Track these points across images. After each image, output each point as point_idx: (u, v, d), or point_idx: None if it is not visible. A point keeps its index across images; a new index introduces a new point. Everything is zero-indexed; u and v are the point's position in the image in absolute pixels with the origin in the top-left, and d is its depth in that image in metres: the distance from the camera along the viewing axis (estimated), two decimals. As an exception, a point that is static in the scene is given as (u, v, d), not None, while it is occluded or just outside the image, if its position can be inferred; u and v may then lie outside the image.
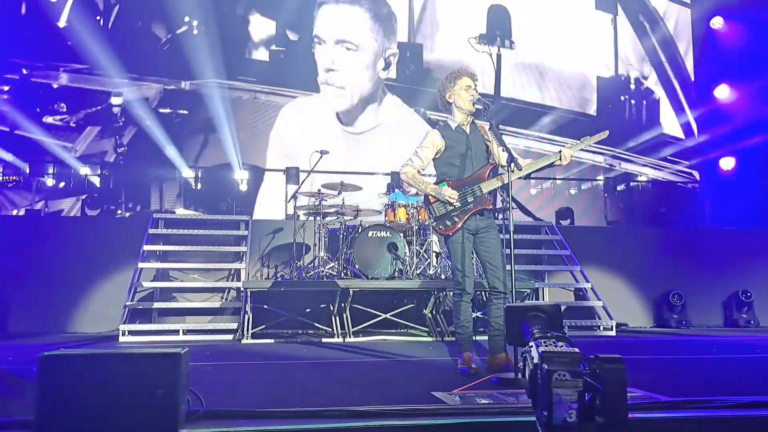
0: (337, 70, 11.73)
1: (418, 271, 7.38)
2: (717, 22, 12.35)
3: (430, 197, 4.44)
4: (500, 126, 4.51)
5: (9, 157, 10.23)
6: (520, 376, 2.37)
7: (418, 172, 4.48)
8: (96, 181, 10.80)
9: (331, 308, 7.05)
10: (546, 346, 2.14)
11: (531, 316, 2.64)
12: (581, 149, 4.52)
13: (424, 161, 4.48)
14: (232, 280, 7.96)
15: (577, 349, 2.08)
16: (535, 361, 2.14)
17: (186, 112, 11.35)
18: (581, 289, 8.37)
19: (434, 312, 7.31)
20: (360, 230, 7.37)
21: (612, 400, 2.01)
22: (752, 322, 8.83)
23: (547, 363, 2.03)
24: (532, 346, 2.24)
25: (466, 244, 4.35)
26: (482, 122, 4.57)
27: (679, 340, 7.02)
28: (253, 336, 6.84)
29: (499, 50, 12.37)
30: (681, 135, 12.96)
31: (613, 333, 7.64)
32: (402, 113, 11.89)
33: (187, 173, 11.00)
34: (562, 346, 2.14)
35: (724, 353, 5.75)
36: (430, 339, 6.97)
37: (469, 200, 4.34)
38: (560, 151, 4.32)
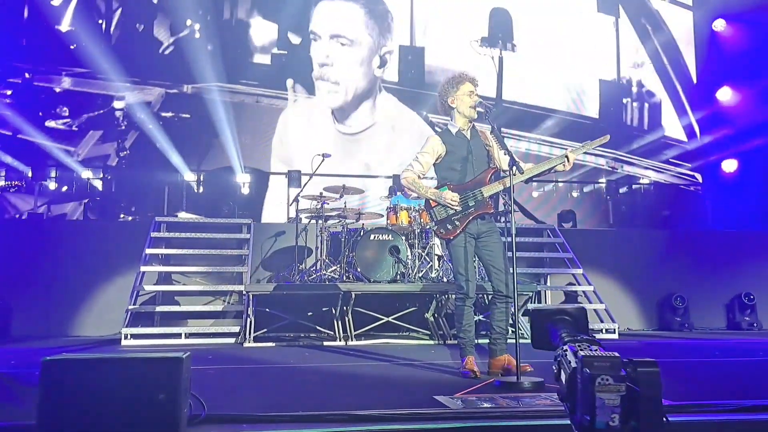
0: (331, 64, 11.75)
1: (420, 275, 7.38)
2: (719, 25, 12.35)
3: (431, 201, 4.44)
4: (502, 129, 4.49)
5: (9, 159, 10.24)
6: (555, 381, 2.35)
7: (419, 177, 4.48)
8: (98, 184, 10.81)
9: (333, 311, 7.05)
10: (581, 350, 2.14)
11: (557, 319, 2.64)
12: (583, 153, 4.50)
13: (425, 166, 4.49)
14: (235, 284, 7.96)
15: (616, 353, 2.08)
16: (573, 365, 2.13)
17: (188, 115, 11.37)
18: (583, 292, 8.36)
19: (436, 315, 7.31)
20: (362, 233, 7.36)
21: (648, 404, 2.01)
22: (755, 324, 8.81)
23: (589, 367, 2.03)
24: (566, 350, 2.23)
25: (468, 247, 4.35)
26: (483, 126, 4.57)
27: (681, 343, 7.00)
28: (255, 339, 6.84)
29: (501, 53, 12.37)
30: (683, 137, 12.94)
31: (615, 336, 7.63)
32: (399, 113, 11.89)
33: (189, 177, 11.01)
34: (596, 349, 2.14)
35: (727, 356, 5.74)
36: (432, 342, 6.97)
37: (470, 204, 4.33)
38: (565, 155, 4.30)
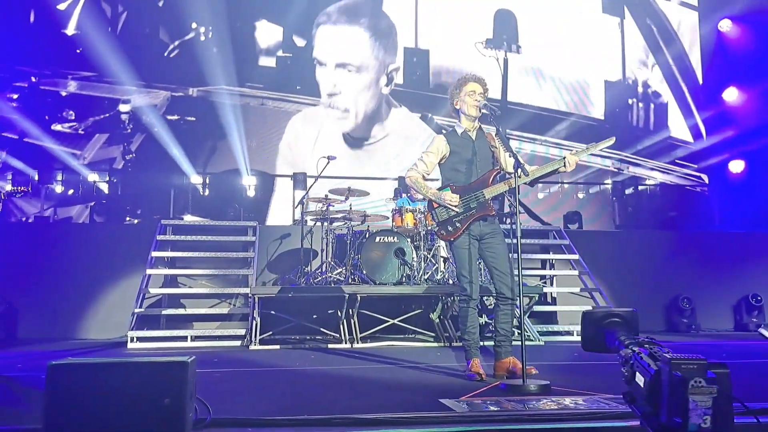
0: (340, 93, 11.76)
1: (426, 277, 7.37)
2: (725, 25, 12.31)
3: (433, 202, 4.45)
4: (507, 131, 4.47)
5: (20, 165, 10.29)
6: (627, 384, 2.35)
7: (423, 177, 4.50)
8: (104, 187, 10.84)
9: (339, 314, 7.05)
10: (656, 352, 2.15)
11: (610, 322, 2.65)
12: (587, 155, 4.46)
13: (429, 166, 4.50)
14: (240, 286, 7.97)
15: (701, 356, 2.09)
16: (653, 367, 2.13)
17: (193, 118, 11.39)
18: (590, 294, 8.34)
19: (442, 317, 7.30)
20: (367, 235, 7.36)
21: (722, 405, 2.02)
22: (763, 326, 8.76)
23: (678, 370, 2.03)
24: (641, 354, 2.24)
25: (471, 249, 4.34)
26: (490, 128, 4.56)
27: (688, 345, 6.97)
28: (261, 342, 6.84)
29: (506, 55, 12.36)
30: (689, 138, 12.90)
31: (622, 338, 7.58)
32: (408, 121, 11.88)
33: (195, 179, 11.03)
34: (667, 351, 2.15)
35: (735, 358, 5.70)
36: (437, 344, 6.96)
37: (471, 206, 4.33)
38: (564, 158, 4.27)
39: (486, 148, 4.47)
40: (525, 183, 4.28)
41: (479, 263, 4.55)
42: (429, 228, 7.49)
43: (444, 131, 4.66)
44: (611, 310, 2.70)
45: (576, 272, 8.51)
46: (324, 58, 11.82)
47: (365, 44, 12.02)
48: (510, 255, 4.43)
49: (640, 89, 13.02)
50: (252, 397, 3.83)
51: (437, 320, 7.26)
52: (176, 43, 11.42)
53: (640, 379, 2.22)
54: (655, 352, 2.17)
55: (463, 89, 4.45)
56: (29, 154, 10.52)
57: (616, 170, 12.60)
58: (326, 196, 7.67)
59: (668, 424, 2.04)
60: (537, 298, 7.51)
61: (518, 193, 4.10)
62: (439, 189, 4.46)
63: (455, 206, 4.33)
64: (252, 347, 6.71)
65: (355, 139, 11.78)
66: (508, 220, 7.54)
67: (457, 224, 4.36)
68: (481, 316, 7.00)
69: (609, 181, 12.51)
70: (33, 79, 10.90)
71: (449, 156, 4.47)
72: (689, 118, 12.90)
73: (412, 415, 2.88)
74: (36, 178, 10.33)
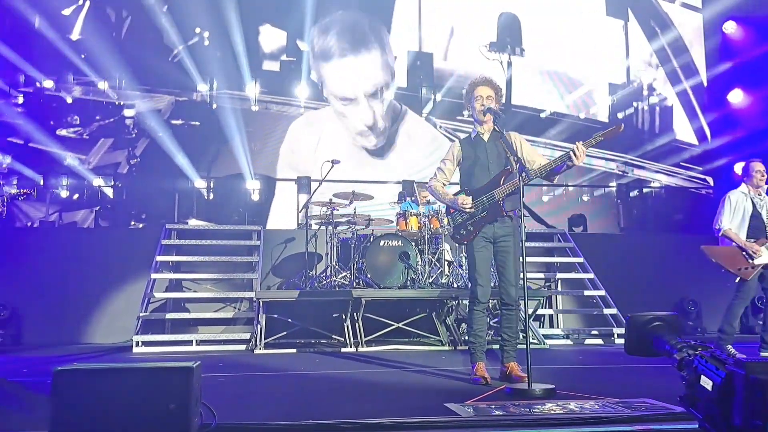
0: (345, 88, 11.75)
1: (431, 280, 7.36)
2: (729, 27, 12.28)
3: (450, 208, 4.50)
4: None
5: (29, 171, 10.31)
6: (688, 388, 2.34)
7: (443, 184, 4.58)
8: (109, 192, 10.86)
9: (344, 318, 7.04)
10: (718, 355, 2.16)
11: (655, 326, 2.65)
12: (593, 147, 4.33)
13: (447, 174, 4.60)
14: (245, 290, 7.97)
15: None
16: (722, 370, 2.13)
17: (197, 123, 11.41)
18: (596, 297, 8.32)
19: (447, 320, 7.29)
20: (372, 239, 7.36)
21: None
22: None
23: (754, 373, 2.03)
24: (705, 357, 2.24)
25: (485, 252, 4.37)
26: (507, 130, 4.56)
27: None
28: (266, 346, 6.84)
29: (509, 58, 12.35)
30: (694, 141, 12.86)
31: (627, 341, 7.56)
32: (411, 121, 11.87)
33: (200, 183, 11.04)
34: (730, 354, 2.16)
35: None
36: (442, 348, 6.95)
37: (483, 208, 4.35)
38: (570, 152, 4.13)
39: (499, 150, 4.46)
40: (540, 178, 4.27)
41: (492, 265, 4.56)
42: (433, 232, 7.49)
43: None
44: (656, 314, 2.70)
45: (581, 275, 8.49)
46: (328, 55, 11.81)
47: (368, 39, 12.00)
48: (517, 259, 4.44)
49: (644, 92, 12.98)
50: (257, 401, 3.83)
51: (444, 322, 7.26)
52: (180, 47, 11.44)
53: (706, 383, 2.21)
54: (717, 355, 2.18)
55: (471, 94, 4.50)
56: (34, 159, 10.54)
57: (620, 173, 12.56)
58: (330, 200, 7.67)
59: (744, 427, 2.03)
60: (542, 302, 7.50)
61: (522, 197, 4.09)
62: (456, 194, 4.50)
63: (468, 209, 4.35)
64: (257, 351, 6.71)
65: (359, 137, 11.77)
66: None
67: (470, 227, 4.39)
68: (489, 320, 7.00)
69: (614, 183, 12.48)
70: (38, 84, 10.93)
71: (463, 161, 4.53)
72: (694, 120, 12.86)
73: (418, 419, 2.88)
74: (41, 182, 10.36)
